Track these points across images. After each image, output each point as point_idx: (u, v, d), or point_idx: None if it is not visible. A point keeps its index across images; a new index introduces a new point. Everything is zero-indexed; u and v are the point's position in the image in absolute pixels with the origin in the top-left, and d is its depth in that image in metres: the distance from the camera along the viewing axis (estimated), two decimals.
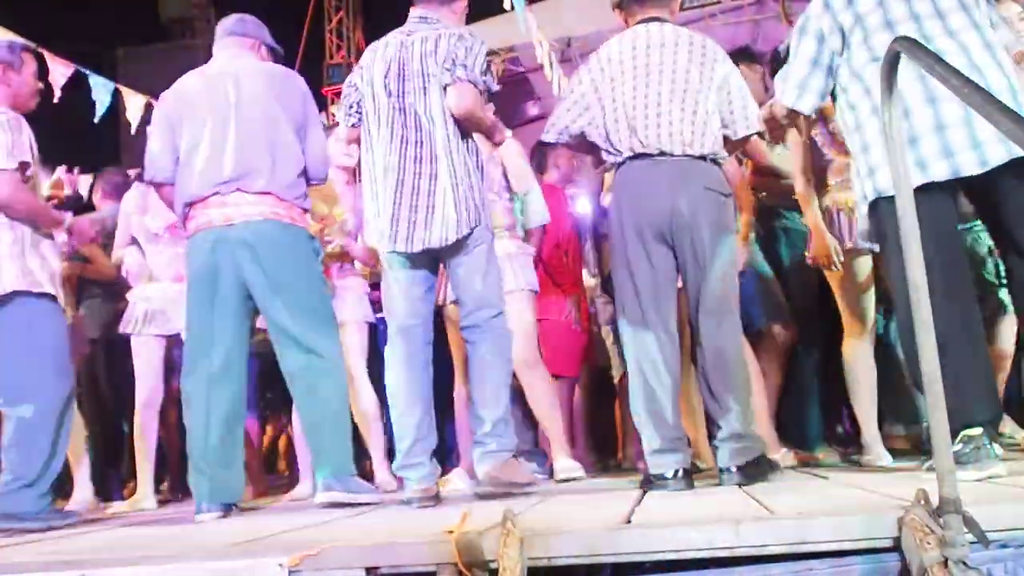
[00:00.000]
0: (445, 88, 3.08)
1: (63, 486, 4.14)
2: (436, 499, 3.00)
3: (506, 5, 6.57)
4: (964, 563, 1.54)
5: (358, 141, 3.30)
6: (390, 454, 4.17)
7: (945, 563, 1.55)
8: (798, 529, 1.74)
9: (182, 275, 3.75)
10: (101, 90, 5.93)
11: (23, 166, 3.35)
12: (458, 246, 3.07)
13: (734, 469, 2.88)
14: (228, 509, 3.21)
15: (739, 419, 2.91)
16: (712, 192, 3.02)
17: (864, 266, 3.41)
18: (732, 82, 3.12)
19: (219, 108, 3.27)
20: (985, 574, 1.62)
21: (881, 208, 2.57)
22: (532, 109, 10.00)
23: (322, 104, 11.17)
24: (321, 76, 11.22)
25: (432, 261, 3.16)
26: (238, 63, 3.38)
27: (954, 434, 2.31)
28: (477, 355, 3.12)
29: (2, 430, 3.37)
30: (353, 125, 3.26)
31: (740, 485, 2.81)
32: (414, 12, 3.27)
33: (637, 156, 3.05)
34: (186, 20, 22.51)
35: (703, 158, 3.03)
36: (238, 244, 3.18)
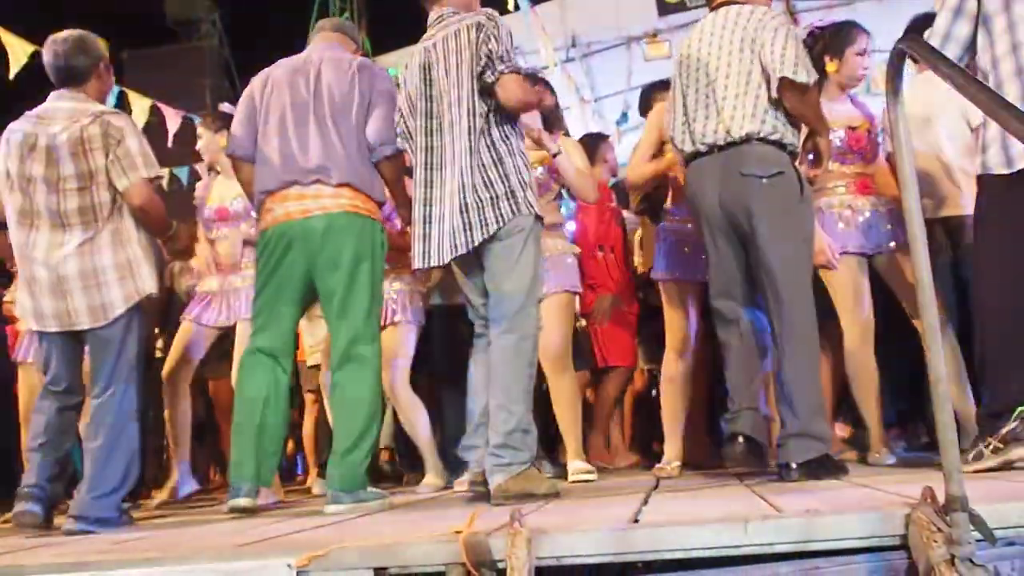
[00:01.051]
0: (484, 86, 3.04)
1: None
2: (486, 485, 2.93)
3: (510, 6, 6.58)
4: (971, 561, 1.54)
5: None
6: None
7: (952, 561, 1.55)
8: (805, 528, 1.74)
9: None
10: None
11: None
12: (490, 239, 3.02)
13: (794, 465, 2.87)
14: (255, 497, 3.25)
15: (804, 414, 2.91)
16: (749, 177, 3.03)
17: (856, 267, 3.46)
18: (767, 35, 3.07)
19: (299, 97, 3.32)
20: (992, 572, 1.62)
21: (984, 183, 2.65)
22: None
23: None
24: None
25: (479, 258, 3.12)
26: (321, 53, 3.43)
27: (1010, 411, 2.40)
28: (492, 354, 3.03)
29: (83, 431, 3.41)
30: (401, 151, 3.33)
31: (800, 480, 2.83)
32: (432, 15, 3.25)
33: (696, 154, 3.17)
34: (191, 22, 22.49)
35: (746, 141, 3.06)
36: (316, 234, 3.23)
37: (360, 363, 3.24)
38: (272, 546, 2.07)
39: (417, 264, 3.16)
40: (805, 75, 3.00)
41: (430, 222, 3.10)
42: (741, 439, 2.99)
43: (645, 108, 4.52)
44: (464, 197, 3.01)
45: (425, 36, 3.24)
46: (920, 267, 1.64)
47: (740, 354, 3.14)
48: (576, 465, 3.92)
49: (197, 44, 21.15)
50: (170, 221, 3.56)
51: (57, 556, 2.25)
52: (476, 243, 3.00)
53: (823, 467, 2.88)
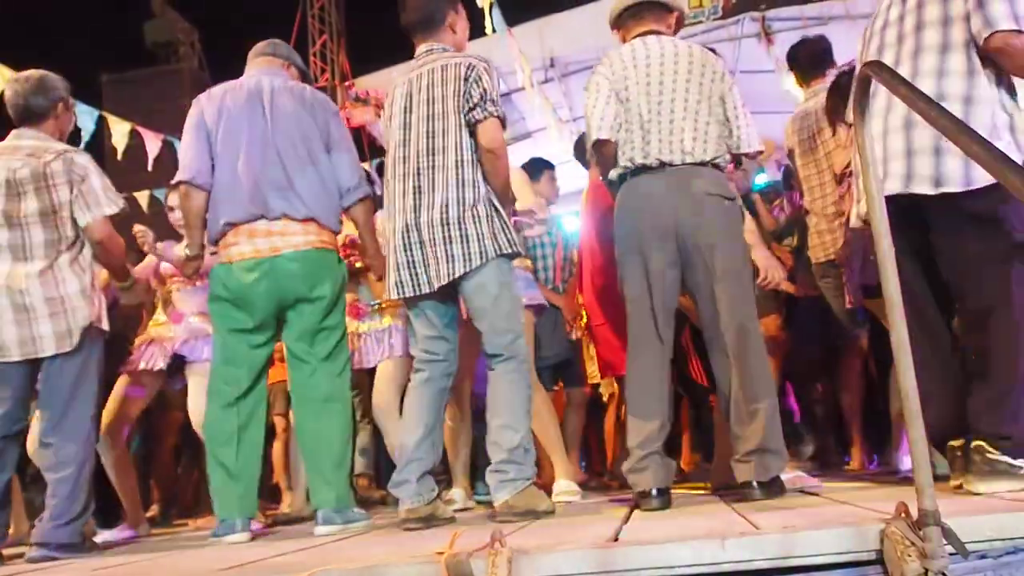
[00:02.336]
0: (470, 124, 3.08)
1: None
2: (424, 521, 2.97)
3: (487, 29, 6.63)
4: (944, 574, 1.56)
5: None
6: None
7: (926, 574, 1.58)
8: (783, 544, 1.76)
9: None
10: (85, 117, 5.93)
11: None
12: (469, 278, 3.06)
13: (755, 484, 2.88)
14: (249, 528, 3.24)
15: (764, 432, 2.91)
16: (715, 196, 3.06)
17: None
18: (729, 100, 3.16)
19: (257, 125, 3.30)
20: None
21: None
22: (515, 129, 10.05)
23: None
24: None
25: (447, 292, 3.14)
26: (271, 80, 3.41)
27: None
28: (493, 381, 3.10)
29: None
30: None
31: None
32: (422, 48, 3.28)
33: (642, 168, 3.11)
34: (171, 44, 22.44)
35: (704, 164, 3.09)
36: (285, 273, 3.24)
37: (337, 400, 3.31)
38: (254, 570, 2.07)
39: (396, 294, 3.16)
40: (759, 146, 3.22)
41: (410, 250, 3.11)
42: (655, 493, 2.90)
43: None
44: (448, 230, 3.04)
45: (411, 67, 3.26)
46: (889, 286, 1.67)
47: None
48: (562, 485, 3.91)
49: (177, 67, 21.14)
50: (128, 270, 3.68)
51: None
52: (458, 275, 3.04)
53: (779, 485, 2.92)
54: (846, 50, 3.91)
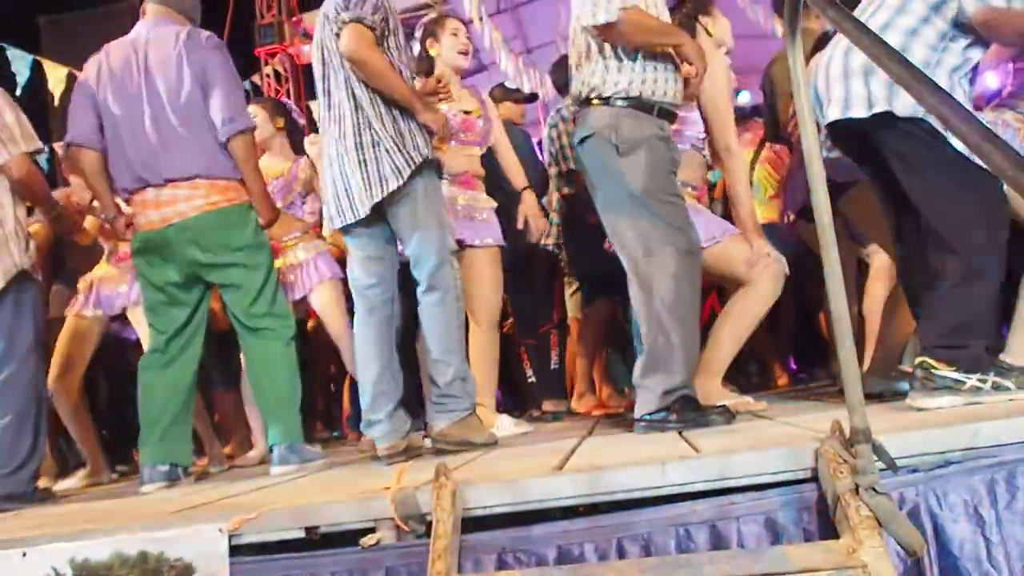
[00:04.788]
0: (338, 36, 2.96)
1: None
2: (404, 454, 2.96)
3: None
4: (874, 489, 1.61)
5: None
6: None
7: (857, 490, 1.62)
8: (720, 466, 1.80)
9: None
10: (20, 63, 5.75)
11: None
12: (390, 201, 2.99)
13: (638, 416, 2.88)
14: (174, 476, 3.22)
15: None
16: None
17: None
18: None
19: (132, 86, 3.22)
20: (896, 498, 1.70)
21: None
22: (470, 62, 9.93)
23: (254, 66, 10.94)
24: (253, 37, 10.97)
25: (380, 219, 3.07)
26: (148, 31, 3.30)
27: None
28: (422, 311, 3.06)
29: None
30: None
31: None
32: None
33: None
34: None
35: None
36: (180, 244, 3.21)
37: (271, 336, 3.31)
38: (202, 512, 2.09)
39: (337, 224, 3.09)
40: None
41: (335, 181, 3.05)
42: None
43: None
44: (355, 155, 2.98)
45: None
46: (820, 208, 1.68)
47: None
48: (503, 421, 3.80)
49: (118, 7, 20.52)
50: (54, 200, 3.58)
51: None
52: (375, 200, 2.97)
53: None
54: None
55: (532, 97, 5.42)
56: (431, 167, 3.06)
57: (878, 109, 2.47)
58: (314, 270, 4.30)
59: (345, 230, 3.11)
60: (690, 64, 2.88)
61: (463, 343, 3.11)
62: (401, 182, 2.95)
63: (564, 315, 5.25)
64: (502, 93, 5.23)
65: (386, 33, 3.02)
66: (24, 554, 1.92)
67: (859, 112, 2.50)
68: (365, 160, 2.97)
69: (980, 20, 2.41)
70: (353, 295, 3.16)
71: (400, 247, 3.15)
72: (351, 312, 3.25)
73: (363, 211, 2.99)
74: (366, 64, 2.93)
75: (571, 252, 4.80)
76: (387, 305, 3.11)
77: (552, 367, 5.02)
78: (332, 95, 3.08)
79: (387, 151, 2.96)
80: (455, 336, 3.04)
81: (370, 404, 3.05)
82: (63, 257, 4.76)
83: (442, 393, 3.00)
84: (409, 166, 2.95)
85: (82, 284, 4.37)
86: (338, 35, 2.96)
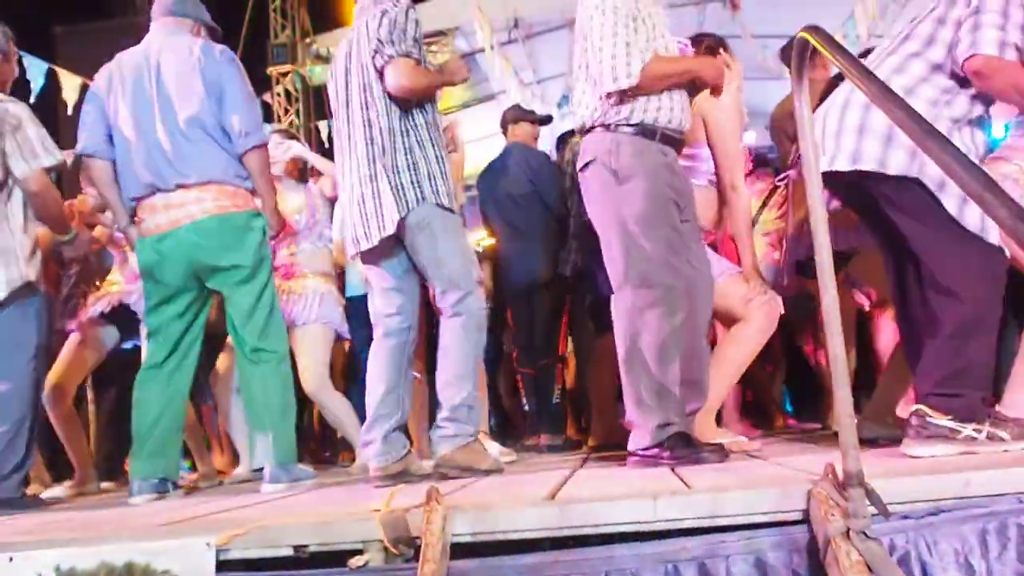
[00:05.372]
0: (381, 73, 3.01)
1: None
2: (396, 477, 2.92)
3: None
4: (865, 533, 1.60)
5: None
6: None
7: (848, 534, 1.62)
8: (712, 504, 1.80)
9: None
10: (36, 71, 5.80)
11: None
12: (407, 235, 3.01)
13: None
14: (163, 490, 3.20)
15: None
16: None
17: None
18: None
19: (143, 95, 3.25)
20: (886, 544, 1.69)
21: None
22: (480, 90, 10.01)
23: (267, 85, 11.01)
24: (266, 56, 11.05)
25: (399, 250, 3.09)
26: (161, 41, 3.34)
27: None
28: (443, 333, 3.08)
29: None
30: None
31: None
32: (357, 5, 3.22)
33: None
34: None
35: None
36: (188, 246, 3.23)
37: (267, 353, 3.31)
38: (192, 526, 2.08)
39: (352, 251, 3.13)
40: None
41: (353, 207, 3.09)
42: None
43: None
44: (370, 184, 3.02)
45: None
46: (822, 253, 1.69)
47: None
48: (490, 448, 3.77)
49: (133, 20, 20.69)
50: (68, 223, 3.61)
51: None
52: (385, 234, 2.99)
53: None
54: (812, 16, 3.90)
55: (547, 119, 5.40)
56: (448, 201, 3.06)
57: (864, 167, 2.47)
58: (315, 307, 4.28)
59: (364, 260, 3.14)
60: (710, 84, 2.95)
61: (477, 372, 3.12)
62: (403, 213, 2.97)
63: (567, 349, 5.26)
64: (516, 114, 5.24)
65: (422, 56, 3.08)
66: (11, 559, 1.91)
67: (843, 166, 2.50)
68: (377, 191, 3.00)
69: (971, 70, 2.41)
70: (372, 320, 3.19)
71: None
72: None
73: (374, 241, 3.02)
74: (416, 93, 3.02)
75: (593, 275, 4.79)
76: (404, 332, 3.14)
77: (554, 400, 5.01)
78: (351, 121, 3.11)
79: (399, 184, 2.99)
80: (471, 364, 3.05)
81: (368, 425, 3.05)
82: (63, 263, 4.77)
83: (447, 417, 3.00)
84: (420, 201, 2.99)
85: (93, 294, 4.38)
86: (381, 70, 2.99)
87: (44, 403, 4.17)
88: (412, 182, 3.00)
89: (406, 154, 3.02)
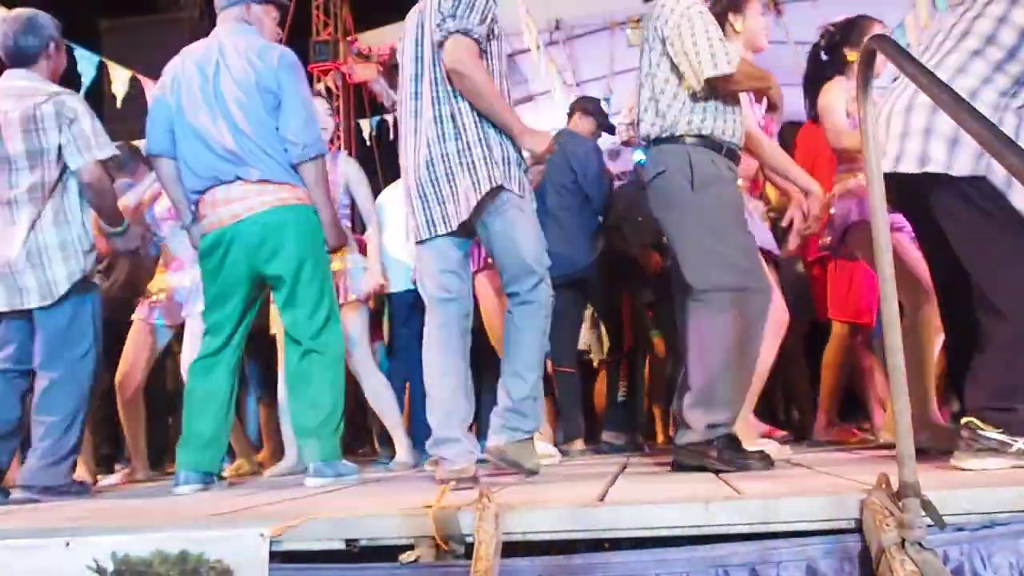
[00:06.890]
0: (441, 45, 2.92)
1: None
2: (474, 480, 2.74)
3: None
4: (920, 544, 1.60)
5: None
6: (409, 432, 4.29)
7: (902, 544, 1.61)
8: (764, 510, 1.80)
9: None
10: (86, 63, 5.89)
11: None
12: (479, 217, 2.95)
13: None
14: (208, 482, 3.25)
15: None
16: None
17: None
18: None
19: (206, 91, 3.26)
20: (940, 556, 1.68)
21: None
22: (518, 92, 10.03)
23: (308, 82, 11.07)
24: (308, 53, 11.13)
25: (462, 232, 3.02)
26: (225, 39, 3.35)
27: None
28: (509, 327, 3.01)
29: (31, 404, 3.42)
30: None
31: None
32: None
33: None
34: None
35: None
36: (248, 236, 3.23)
37: (321, 353, 3.28)
38: (245, 516, 2.11)
39: (422, 235, 3.04)
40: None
41: (420, 190, 3.01)
42: None
43: None
44: (442, 165, 2.94)
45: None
46: (882, 262, 1.69)
47: None
48: (540, 447, 3.69)
49: (176, 15, 20.96)
50: (122, 215, 3.63)
51: (31, 521, 2.28)
52: (462, 218, 2.92)
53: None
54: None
55: (612, 129, 5.07)
56: (521, 186, 2.99)
57: (932, 169, 2.45)
58: (347, 284, 4.28)
59: (422, 241, 3.06)
60: (773, 101, 3.06)
61: (543, 363, 3.08)
62: (480, 196, 2.90)
63: (635, 344, 5.18)
64: (591, 107, 5.09)
65: (490, 38, 2.98)
66: (67, 544, 1.95)
67: (909, 168, 2.49)
68: (451, 173, 2.92)
69: None
70: (426, 308, 3.08)
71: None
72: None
73: (453, 225, 2.96)
74: (467, 79, 2.88)
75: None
76: (464, 320, 3.05)
77: (619, 398, 4.97)
78: (422, 98, 3.03)
79: (473, 166, 2.90)
80: (538, 354, 3.00)
81: (442, 420, 2.93)
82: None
83: (512, 408, 2.94)
84: (496, 184, 2.90)
85: (145, 294, 4.47)
86: (441, 43, 2.91)
87: (116, 388, 4.35)
88: (487, 164, 2.91)
89: (480, 136, 2.93)
